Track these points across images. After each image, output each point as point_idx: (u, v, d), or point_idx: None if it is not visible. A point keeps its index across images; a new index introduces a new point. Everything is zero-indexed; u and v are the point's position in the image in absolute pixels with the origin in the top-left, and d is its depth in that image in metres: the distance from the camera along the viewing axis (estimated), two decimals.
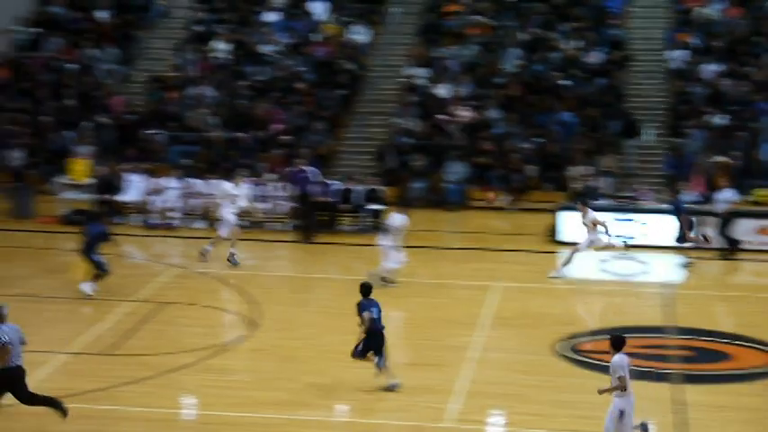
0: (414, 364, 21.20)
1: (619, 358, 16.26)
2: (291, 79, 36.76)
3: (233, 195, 27.39)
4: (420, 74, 36.90)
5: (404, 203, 25.91)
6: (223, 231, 27.34)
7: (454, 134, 34.60)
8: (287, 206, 30.53)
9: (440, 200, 33.18)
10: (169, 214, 30.90)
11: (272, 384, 19.90)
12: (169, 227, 30.69)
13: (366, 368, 20.23)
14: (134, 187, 31.11)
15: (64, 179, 32.23)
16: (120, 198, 31.14)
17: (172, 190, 30.87)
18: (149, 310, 23.81)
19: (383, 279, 24.99)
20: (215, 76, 37.06)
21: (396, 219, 25.12)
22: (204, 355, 21.02)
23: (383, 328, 19.25)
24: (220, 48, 38.29)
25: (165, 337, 22.21)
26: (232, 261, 27.21)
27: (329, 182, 31.28)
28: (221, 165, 33.35)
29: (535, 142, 34.19)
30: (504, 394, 19.50)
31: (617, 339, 16.48)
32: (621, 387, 16.10)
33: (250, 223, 30.62)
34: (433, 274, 26.94)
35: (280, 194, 30.61)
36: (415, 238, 29.10)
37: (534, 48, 37.49)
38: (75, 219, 30.54)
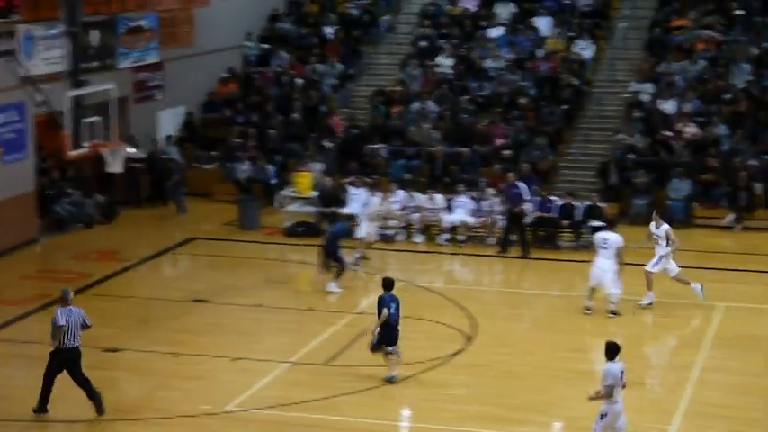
0: (635, 382, 20.86)
1: (611, 366, 16.55)
2: (514, 94, 36.68)
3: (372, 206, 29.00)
4: (645, 89, 36.33)
5: (613, 221, 25.72)
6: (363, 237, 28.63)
7: (679, 151, 33.93)
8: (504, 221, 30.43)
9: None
10: (391, 225, 31.14)
11: (489, 400, 19.88)
12: (390, 240, 30.92)
13: (584, 385, 20.01)
14: (356, 201, 31.43)
15: (289, 192, 32.84)
16: (342, 211, 31.49)
17: (393, 204, 31.10)
18: (368, 323, 24.02)
19: (613, 312, 24.55)
20: (438, 91, 37.25)
21: (616, 238, 24.68)
22: (421, 369, 21.12)
23: (398, 323, 20.33)
24: (444, 63, 38.50)
25: None
26: (355, 264, 27.98)
27: (551, 198, 31.05)
28: (442, 179, 33.55)
29: (764, 159, 33.24)
30: (727, 417, 19.10)
31: (610, 346, 16.69)
32: (607, 395, 16.42)
33: (466, 238, 30.61)
34: (655, 292, 26.44)
35: (498, 209, 30.49)
36: (638, 255, 28.63)
37: (765, 63, 36.48)
38: (299, 231, 31.18)
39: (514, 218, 29.70)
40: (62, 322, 18.67)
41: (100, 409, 18.87)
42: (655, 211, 26.64)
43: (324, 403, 19.63)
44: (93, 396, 18.91)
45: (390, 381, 20.42)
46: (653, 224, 25.62)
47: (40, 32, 29.46)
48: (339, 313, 24.57)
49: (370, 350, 20.64)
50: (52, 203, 31.30)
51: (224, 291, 26.19)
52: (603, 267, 24.27)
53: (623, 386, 16.85)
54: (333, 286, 26.08)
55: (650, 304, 24.93)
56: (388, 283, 20.77)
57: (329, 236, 26.49)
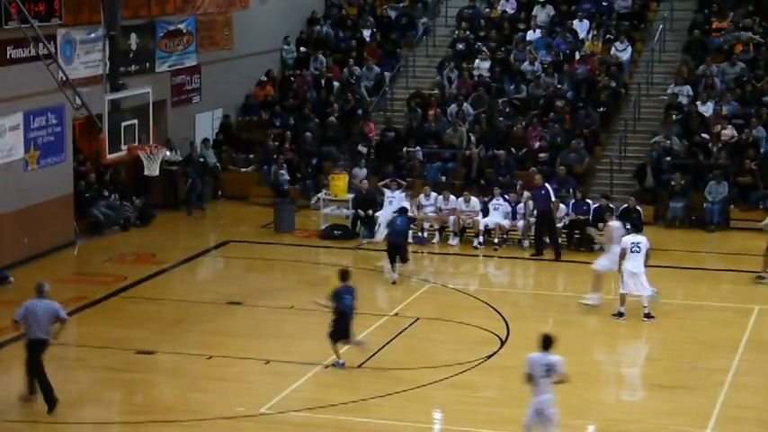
0: (667, 386, 20.86)
1: (532, 356, 16.84)
2: (551, 97, 36.59)
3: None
4: (683, 92, 36.17)
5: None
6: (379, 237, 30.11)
7: (716, 153, 33.75)
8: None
9: (700, 220, 32.43)
10: (426, 227, 31.16)
11: (521, 402, 19.73)
12: (424, 242, 30.93)
13: (616, 388, 20.04)
14: (391, 203, 31.42)
15: (324, 194, 32.91)
16: (378, 214, 31.51)
17: (428, 206, 31.13)
18: (402, 325, 24.08)
19: (647, 315, 24.46)
20: (475, 94, 37.22)
21: (645, 241, 24.63)
22: (454, 371, 21.14)
23: (353, 312, 21.27)
24: (481, 66, 38.48)
25: (416, 351, 22.43)
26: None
27: (587, 200, 30.97)
28: (478, 182, 33.52)
29: None
30: (762, 420, 18.97)
31: (542, 338, 16.91)
32: (526, 382, 16.78)
33: (499, 241, 30.53)
34: (691, 295, 26.41)
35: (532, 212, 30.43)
36: (674, 258, 28.59)
37: None
38: (335, 234, 31.22)
39: (543, 220, 29.65)
40: (18, 315, 19.01)
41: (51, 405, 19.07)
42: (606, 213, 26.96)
43: (356, 406, 19.68)
44: (44, 388, 19.06)
45: (338, 366, 21.32)
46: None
47: (79, 36, 29.73)
48: (372, 316, 24.57)
49: (329, 338, 21.41)
50: (89, 206, 31.51)
51: (258, 293, 26.30)
52: (635, 271, 24.16)
53: (560, 381, 16.99)
54: (396, 276, 27.10)
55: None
56: (343, 275, 21.47)
57: (393, 232, 27.29)
